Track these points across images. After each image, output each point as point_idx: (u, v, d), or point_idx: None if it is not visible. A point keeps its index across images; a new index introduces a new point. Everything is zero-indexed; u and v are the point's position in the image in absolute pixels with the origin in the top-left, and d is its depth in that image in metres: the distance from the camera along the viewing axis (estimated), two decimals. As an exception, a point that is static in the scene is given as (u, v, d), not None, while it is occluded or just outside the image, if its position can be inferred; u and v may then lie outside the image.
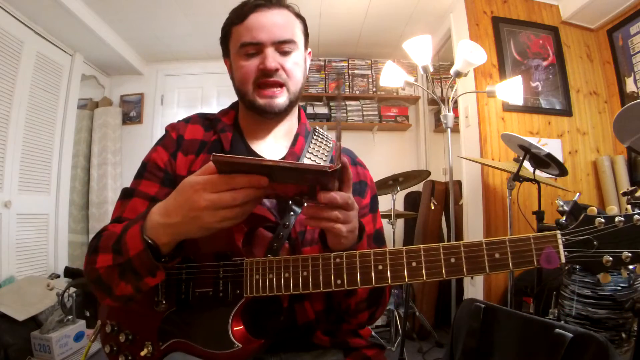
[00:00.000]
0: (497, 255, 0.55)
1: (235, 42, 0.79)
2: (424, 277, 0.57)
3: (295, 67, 0.79)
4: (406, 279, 0.58)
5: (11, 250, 2.42)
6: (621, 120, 1.37)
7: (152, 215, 0.61)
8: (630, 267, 0.52)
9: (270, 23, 0.77)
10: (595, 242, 0.53)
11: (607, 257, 0.52)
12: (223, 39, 0.83)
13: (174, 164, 0.80)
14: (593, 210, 0.54)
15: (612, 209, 0.54)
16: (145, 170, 0.80)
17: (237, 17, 0.78)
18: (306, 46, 0.86)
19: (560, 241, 0.53)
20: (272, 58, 0.76)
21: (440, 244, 0.58)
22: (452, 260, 0.56)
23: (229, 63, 0.85)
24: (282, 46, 0.77)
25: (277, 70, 0.76)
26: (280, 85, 0.78)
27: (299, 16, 0.83)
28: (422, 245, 0.58)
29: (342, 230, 0.61)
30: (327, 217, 0.59)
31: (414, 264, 0.58)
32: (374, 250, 0.60)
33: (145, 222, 0.61)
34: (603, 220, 0.53)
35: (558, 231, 0.54)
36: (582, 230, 0.53)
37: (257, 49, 0.77)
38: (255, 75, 0.77)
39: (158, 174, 0.79)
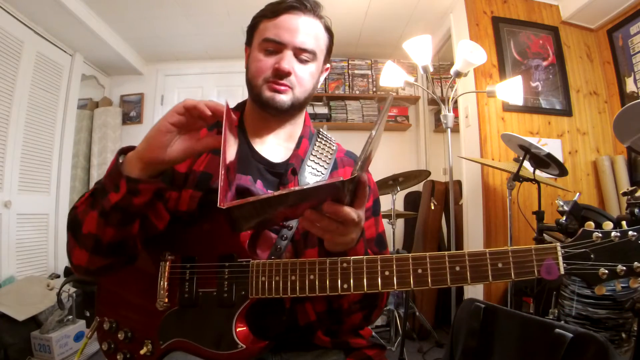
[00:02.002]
0: (500, 265, 0.57)
1: (260, 34, 0.80)
2: (430, 285, 0.59)
3: (308, 77, 0.80)
4: (412, 285, 0.60)
5: (11, 250, 2.42)
6: (621, 120, 1.37)
7: (131, 152, 0.65)
8: (623, 279, 0.55)
9: (298, 28, 0.77)
10: (592, 255, 0.56)
11: (603, 270, 0.55)
12: (250, 28, 0.84)
13: None
14: (590, 224, 0.57)
15: (608, 225, 0.56)
16: None
17: (271, 12, 0.79)
18: (326, 60, 0.86)
19: (560, 253, 0.56)
20: (288, 61, 0.76)
21: (446, 253, 0.59)
22: (457, 268, 0.58)
23: (248, 52, 0.85)
24: (302, 53, 0.78)
25: (289, 74, 0.77)
26: (288, 87, 0.78)
27: (328, 30, 0.84)
28: (428, 253, 0.60)
29: (335, 240, 0.62)
30: (324, 227, 0.59)
31: (419, 270, 0.59)
32: (381, 257, 0.61)
33: (126, 155, 0.65)
34: (600, 235, 0.56)
35: (558, 244, 0.57)
36: (581, 243, 0.56)
37: (278, 48, 0.77)
38: (268, 73, 0.77)
39: None
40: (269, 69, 0.77)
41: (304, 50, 0.78)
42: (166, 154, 0.62)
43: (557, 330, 0.79)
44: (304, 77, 0.79)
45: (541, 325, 0.85)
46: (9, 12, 2.41)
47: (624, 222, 0.56)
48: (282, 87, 0.77)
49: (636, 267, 0.53)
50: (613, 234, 0.55)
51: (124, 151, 0.66)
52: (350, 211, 0.58)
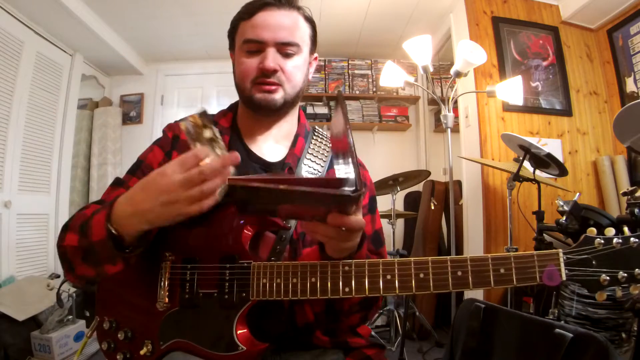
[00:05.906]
0: (502, 271, 0.57)
1: (240, 37, 0.80)
2: (431, 289, 0.59)
3: (295, 70, 0.79)
4: (414, 290, 0.60)
5: (11, 250, 2.42)
6: (621, 120, 1.36)
7: (118, 205, 0.62)
8: (624, 286, 0.54)
9: (276, 23, 0.76)
10: (594, 262, 0.55)
11: (604, 277, 0.55)
12: (230, 32, 0.84)
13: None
14: (592, 231, 0.57)
15: (610, 231, 0.56)
16: (139, 168, 0.82)
17: (247, 13, 0.79)
18: (312, 51, 0.85)
19: (562, 259, 0.56)
20: (272, 59, 0.76)
21: (448, 257, 0.59)
22: (459, 273, 0.58)
23: (233, 57, 0.85)
24: (285, 48, 0.77)
25: (275, 71, 0.76)
26: (277, 85, 0.77)
27: (309, 20, 0.83)
28: (430, 258, 0.60)
29: (340, 246, 0.61)
30: (326, 234, 0.59)
31: (421, 275, 0.59)
32: (382, 260, 0.61)
33: (112, 210, 0.62)
34: (602, 241, 0.55)
35: (560, 250, 0.56)
36: (583, 249, 0.56)
37: (259, 47, 0.77)
38: (254, 74, 0.77)
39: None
40: (255, 69, 0.76)
41: (287, 44, 0.77)
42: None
43: (557, 330, 0.79)
44: (292, 72, 0.78)
45: (541, 325, 0.85)
46: (9, 12, 2.41)
47: (625, 229, 0.56)
48: (273, 87, 0.77)
49: (637, 274, 0.53)
50: (615, 240, 0.55)
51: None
52: (357, 220, 0.57)
